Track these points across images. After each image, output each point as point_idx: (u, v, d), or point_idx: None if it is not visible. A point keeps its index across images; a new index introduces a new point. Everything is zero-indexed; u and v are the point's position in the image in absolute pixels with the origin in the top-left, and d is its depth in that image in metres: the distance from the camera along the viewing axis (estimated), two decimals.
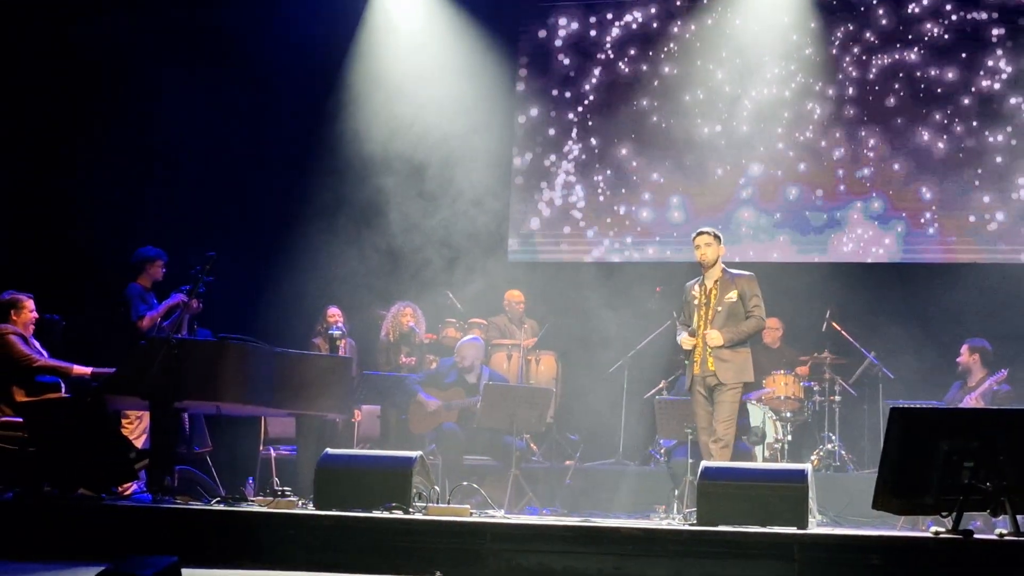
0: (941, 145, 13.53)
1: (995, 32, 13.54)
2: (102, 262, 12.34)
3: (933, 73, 13.62)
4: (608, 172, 14.48)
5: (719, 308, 9.51)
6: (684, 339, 9.58)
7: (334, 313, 12.20)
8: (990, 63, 13.56)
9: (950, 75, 13.61)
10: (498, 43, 14.29)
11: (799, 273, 13.53)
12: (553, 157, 14.54)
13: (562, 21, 14.73)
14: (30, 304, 10.39)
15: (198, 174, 13.44)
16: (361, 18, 14.15)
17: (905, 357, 12.50)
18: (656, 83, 14.22)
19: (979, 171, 13.46)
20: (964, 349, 11.69)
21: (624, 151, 14.49)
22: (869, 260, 13.76)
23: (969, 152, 13.51)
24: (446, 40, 14.10)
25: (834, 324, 12.62)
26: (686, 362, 9.64)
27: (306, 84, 13.96)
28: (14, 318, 10.30)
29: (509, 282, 13.82)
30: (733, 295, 9.58)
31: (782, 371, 12.36)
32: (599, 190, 14.56)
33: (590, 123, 14.54)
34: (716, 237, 9.65)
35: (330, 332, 11.31)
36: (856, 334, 12.64)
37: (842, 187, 13.95)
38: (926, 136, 13.64)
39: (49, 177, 13.21)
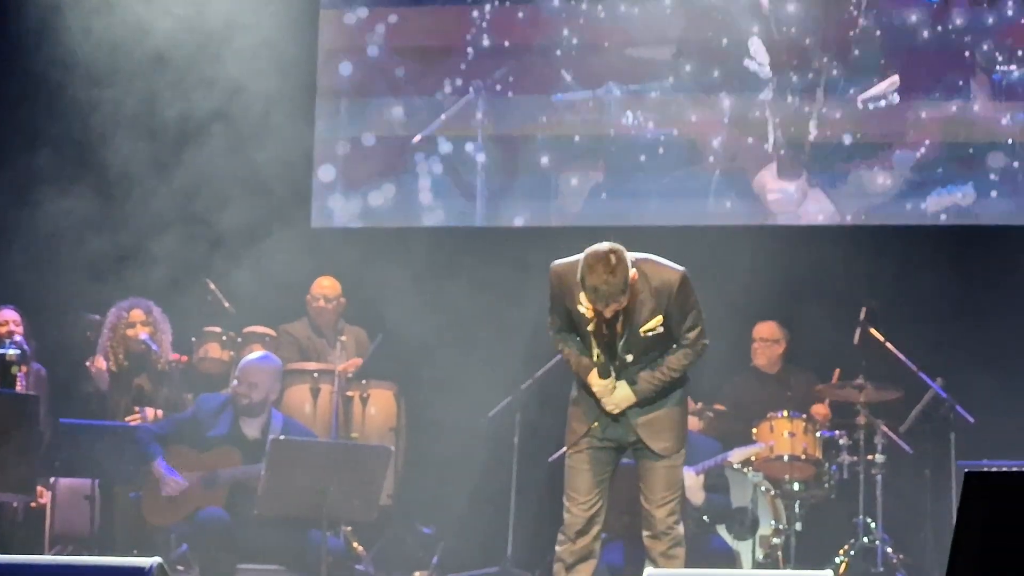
0: None
1: None
2: None
3: None
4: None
5: (629, 350, 7.28)
6: (593, 380, 7.24)
7: (7, 319, 10.47)
8: None
9: None
10: None
11: (811, 240, 10.85)
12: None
13: None
14: None
15: None
16: None
17: (991, 387, 10.08)
18: None
19: None
20: None
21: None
22: (941, 221, 11.20)
23: None
24: None
25: (873, 331, 10.15)
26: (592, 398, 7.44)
27: None
28: None
29: (314, 264, 11.24)
30: (655, 322, 7.19)
31: (785, 413, 10.04)
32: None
33: None
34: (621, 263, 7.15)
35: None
36: (910, 348, 10.20)
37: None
38: None
39: None
